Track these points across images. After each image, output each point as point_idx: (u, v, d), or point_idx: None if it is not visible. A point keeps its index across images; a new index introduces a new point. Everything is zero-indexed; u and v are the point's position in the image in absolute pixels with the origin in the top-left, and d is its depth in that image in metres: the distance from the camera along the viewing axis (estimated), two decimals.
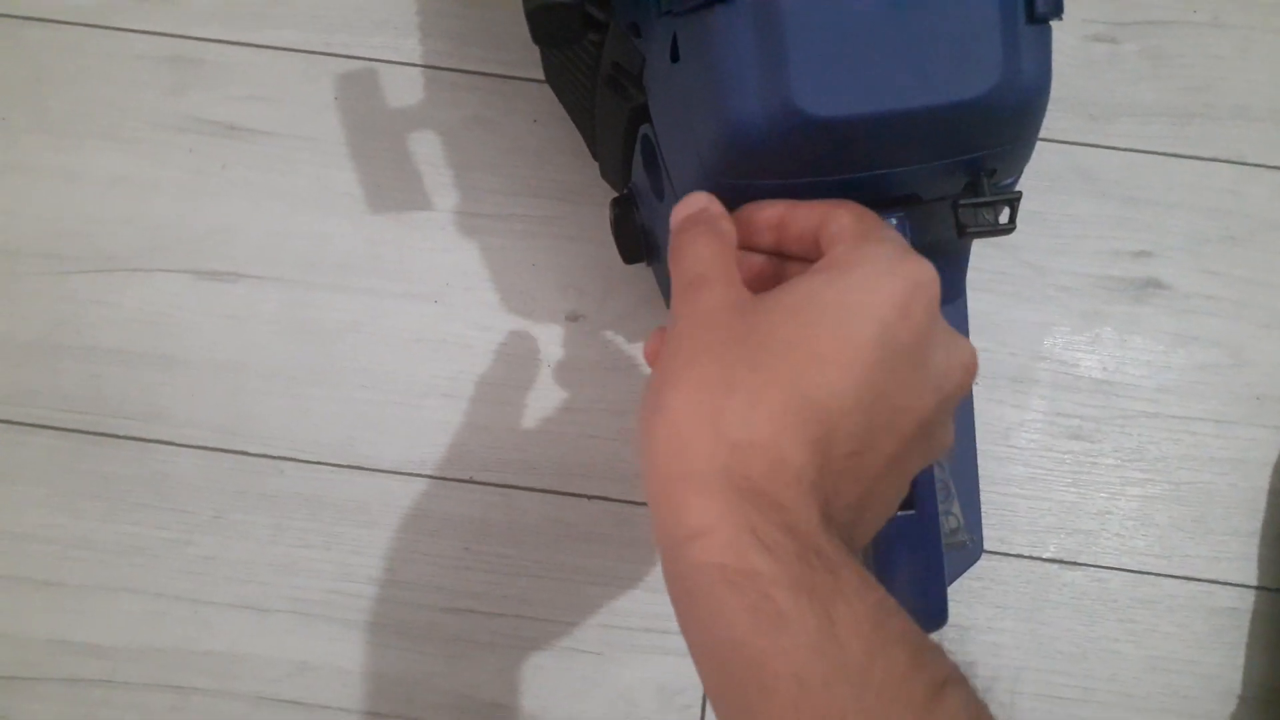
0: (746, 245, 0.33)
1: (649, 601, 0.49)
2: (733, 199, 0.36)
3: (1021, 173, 0.39)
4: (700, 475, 0.27)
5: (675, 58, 0.34)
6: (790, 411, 0.27)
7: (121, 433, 0.50)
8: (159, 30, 0.53)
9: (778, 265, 0.33)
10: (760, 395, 0.27)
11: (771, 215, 0.33)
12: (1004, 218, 0.36)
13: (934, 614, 0.38)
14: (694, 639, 0.27)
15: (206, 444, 0.50)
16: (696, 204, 0.33)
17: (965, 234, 0.35)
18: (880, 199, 0.36)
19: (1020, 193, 0.36)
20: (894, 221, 0.35)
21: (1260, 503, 0.50)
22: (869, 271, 0.29)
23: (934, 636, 0.37)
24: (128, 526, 0.49)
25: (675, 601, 0.27)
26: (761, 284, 0.32)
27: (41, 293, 0.51)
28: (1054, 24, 0.34)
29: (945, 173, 0.35)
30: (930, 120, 0.32)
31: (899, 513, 0.36)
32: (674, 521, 0.27)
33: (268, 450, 0.50)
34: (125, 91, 0.52)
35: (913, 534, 0.36)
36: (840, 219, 0.32)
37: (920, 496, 0.36)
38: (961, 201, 0.35)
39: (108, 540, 0.49)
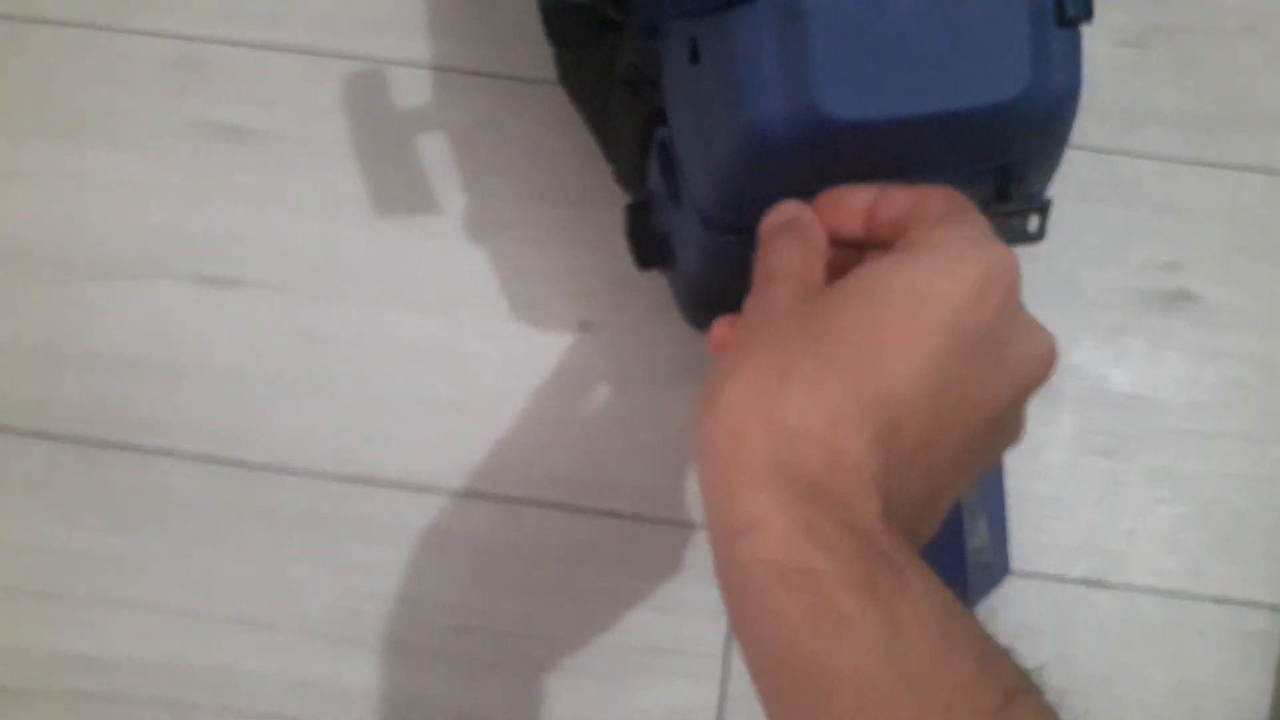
0: (834, 234, 0.32)
1: (660, 622, 0.48)
2: (750, 207, 0.35)
3: (1051, 180, 0.39)
4: (753, 466, 0.25)
5: (694, 59, 0.33)
6: (850, 400, 0.26)
7: (122, 442, 0.49)
8: (163, 32, 0.52)
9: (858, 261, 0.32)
10: (818, 382, 0.26)
11: (865, 199, 0.31)
12: (1033, 226, 0.35)
13: None
14: (746, 639, 0.26)
15: (208, 455, 0.49)
16: (787, 212, 0.32)
17: None
18: None
19: (1050, 200, 0.35)
20: None
21: None
22: (942, 256, 0.28)
23: None
24: (128, 538, 0.49)
25: (726, 599, 0.26)
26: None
27: (44, 299, 0.50)
28: (1084, 29, 0.33)
29: (973, 179, 0.34)
30: (957, 124, 0.31)
31: None
32: (726, 515, 0.26)
33: (270, 462, 0.49)
34: (128, 94, 0.52)
35: (936, 552, 0.36)
36: (930, 202, 0.30)
37: None
38: (990, 209, 0.34)
39: (108, 552, 0.48)
